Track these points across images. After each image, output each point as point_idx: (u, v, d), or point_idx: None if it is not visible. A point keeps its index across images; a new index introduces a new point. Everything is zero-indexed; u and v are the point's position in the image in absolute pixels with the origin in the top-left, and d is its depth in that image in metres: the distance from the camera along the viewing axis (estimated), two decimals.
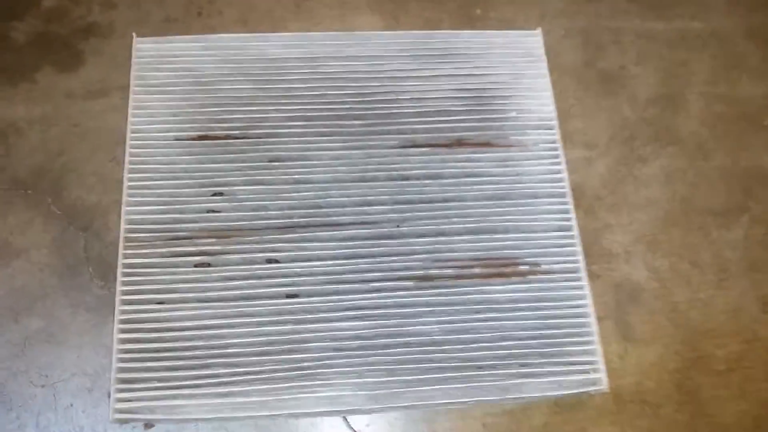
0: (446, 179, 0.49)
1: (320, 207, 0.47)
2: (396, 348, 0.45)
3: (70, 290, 0.46)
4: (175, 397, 0.42)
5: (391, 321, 0.45)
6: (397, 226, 0.47)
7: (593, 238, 0.50)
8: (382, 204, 0.47)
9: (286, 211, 0.47)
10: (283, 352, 0.43)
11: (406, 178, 0.48)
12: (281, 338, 0.44)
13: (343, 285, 0.45)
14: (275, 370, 0.43)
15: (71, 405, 0.43)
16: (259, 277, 0.45)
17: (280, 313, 0.44)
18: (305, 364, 0.43)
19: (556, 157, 0.52)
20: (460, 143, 0.50)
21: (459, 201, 0.48)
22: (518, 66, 0.54)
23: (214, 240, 0.45)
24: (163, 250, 0.45)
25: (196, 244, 0.45)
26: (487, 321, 0.46)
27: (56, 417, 0.42)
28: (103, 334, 0.45)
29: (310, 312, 0.45)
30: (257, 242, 0.46)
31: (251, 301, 0.44)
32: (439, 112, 0.51)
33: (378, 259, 0.46)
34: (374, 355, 0.44)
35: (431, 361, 0.44)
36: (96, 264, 0.46)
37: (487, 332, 0.46)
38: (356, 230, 0.47)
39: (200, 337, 0.43)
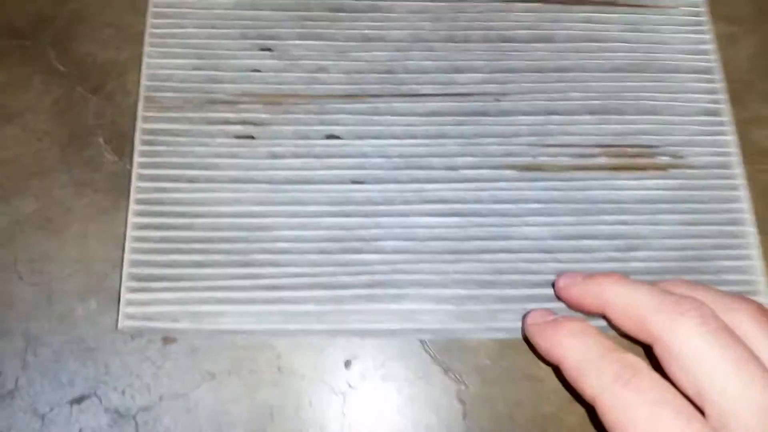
0: (560, 43, 0.37)
1: (396, 72, 0.35)
2: (492, 253, 0.33)
3: (74, 165, 0.34)
4: (204, 301, 0.31)
5: (487, 219, 0.33)
6: (496, 100, 0.35)
7: (742, 131, 0.39)
8: (476, 71, 0.36)
9: (353, 75, 0.35)
10: (345, 251, 0.32)
11: (508, 39, 0.37)
12: (344, 233, 0.32)
13: (424, 171, 0.34)
14: (335, 273, 0.32)
15: (70, 310, 0.32)
16: (317, 156, 0.34)
17: (342, 202, 0.33)
18: (374, 267, 0.32)
19: (701, 24, 0.40)
20: (578, 0, 0.40)
21: (577, 71, 0.36)
22: None
23: (259, 106, 0.34)
24: (195, 115, 0.34)
25: (236, 110, 0.34)
26: (614, 224, 0.33)
27: (50, 324, 0.31)
28: (114, 221, 0.33)
29: (381, 203, 0.33)
30: (315, 112, 0.34)
31: (306, 185, 0.33)
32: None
33: (470, 141, 0.34)
34: (463, 260, 0.33)
35: (538, 272, 0.32)
36: (109, 134, 0.35)
37: (613, 239, 0.33)
38: (442, 103, 0.35)
39: (240, 227, 0.32)
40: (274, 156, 0.33)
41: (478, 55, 0.36)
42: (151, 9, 0.35)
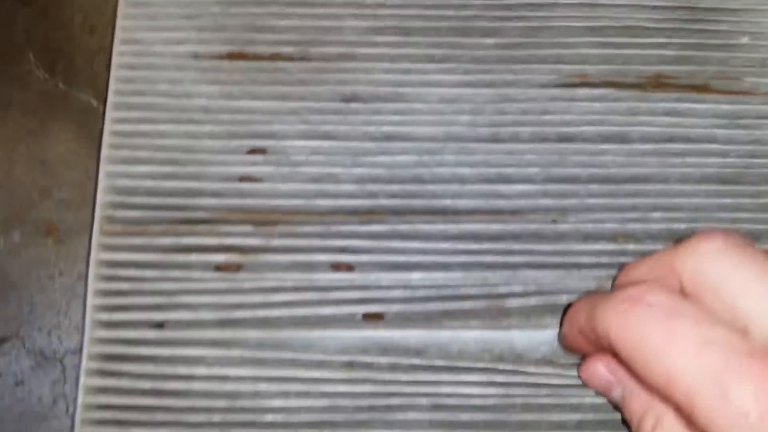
0: (636, 144, 0.29)
1: (424, 181, 0.28)
2: None
3: None
4: None
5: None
6: (553, 221, 0.28)
7: None
8: (528, 181, 0.28)
9: (368, 186, 0.28)
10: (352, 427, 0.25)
11: (568, 139, 0.29)
12: (350, 403, 0.25)
13: (457, 303, 0.26)
14: None
15: None
16: (321, 289, 0.27)
17: (352, 351, 0.26)
18: None
19: None
20: (658, 83, 0.31)
21: (657, 181, 0.28)
22: None
23: (249, 228, 0.27)
24: (165, 241, 0.27)
25: (218, 233, 0.27)
26: None
27: None
28: (42, 145, 0.29)
29: (404, 353, 0.26)
30: (319, 237, 0.27)
31: (306, 330, 0.26)
32: (624, 30, 0.30)
33: (519, 274, 0.27)
34: None
35: None
36: (39, 50, 0.30)
37: None
38: (482, 224, 0.27)
39: (218, 394, 0.25)
40: (266, 291, 0.26)
41: (529, 159, 0.28)
42: (113, 99, 0.28)
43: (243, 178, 0.28)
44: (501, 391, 0.26)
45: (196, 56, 0.29)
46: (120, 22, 0.29)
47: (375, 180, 0.28)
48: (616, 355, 0.22)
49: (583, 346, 0.24)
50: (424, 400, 0.26)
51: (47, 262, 0.27)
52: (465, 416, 0.25)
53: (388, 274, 0.27)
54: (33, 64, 0.29)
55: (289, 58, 0.29)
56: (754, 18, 0.31)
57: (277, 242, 0.27)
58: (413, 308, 0.26)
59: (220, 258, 0.27)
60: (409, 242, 0.27)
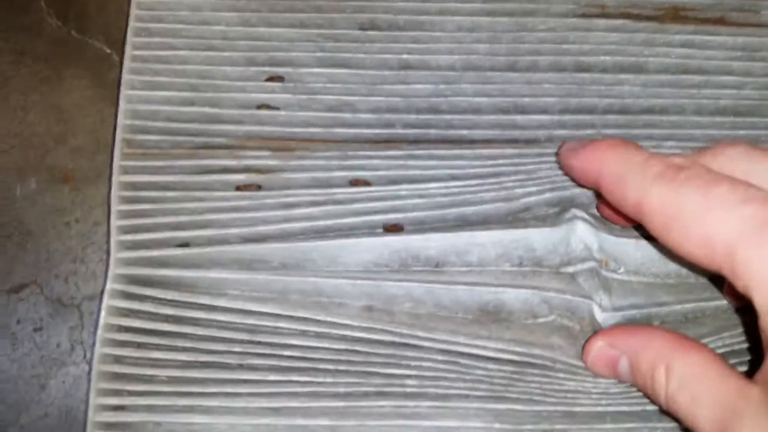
0: (652, 74, 0.29)
1: (440, 111, 0.28)
2: None
3: (12, 31, 0.29)
4: (188, 410, 0.27)
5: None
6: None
7: None
8: (544, 111, 0.28)
9: (385, 115, 0.28)
10: (375, 345, 0.25)
11: (586, 68, 0.29)
12: (372, 325, 0.25)
13: (475, 207, 0.26)
14: (358, 383, 0.25)
15: (7, 189, 0.27)
16: (340, 202, 0.27)
17: (374, 269, 0.26)
18: (406, 374, 0.25)
19: None
20: (676, 15, 0.30)
21: (673, 113, 0.29)
22: None
23: (267, 153, 0.27)
24: (186, 163, 0.27)
25: (238, 156, 0.27)
26: None
27: None
28: (56, 92, 0.29)
29: (421, 262, 0.26)
30: (337, 159, 0.27)
31: (328, 240, 0.26)
32: None
33: (533, 178, 0.27)
34: None
35: None
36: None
37: None
38: (500, 149, 0.28)
39: (239, 329, 0.26)
40: (286, 206, 0.26)
41: (546, 89, 0.28)
42: (133, 24, 0.29)
43: (261, 106, 0.28)
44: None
45: None
46: None
47: (392, 109, 0.28)
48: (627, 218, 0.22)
49: (586, 183, 0.24)
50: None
51: (63, 210, 0.27)
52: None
53: (406, 185, 0.27)
54: (45, 11, 0.30)
55: None
56: None
57: (294, 164, 0.27)
58: (432, 215, 0.27)
59: (240, 177, 0.27)
60: (424, 169, 0.27)
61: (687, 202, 0.19)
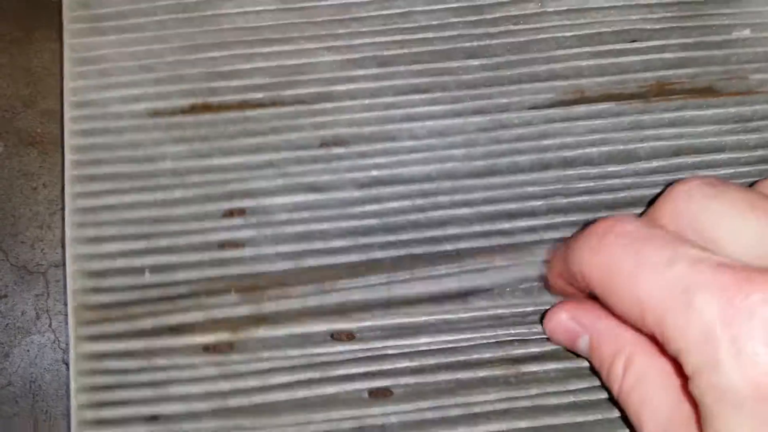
0: (643, 161, 0.27)
1: (420, 226, 0.27)
2: None
3: None
4: None
5: None
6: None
7: None
8: (532, 214, 0.27)
9: (360, 239, 0.26)
10: None
11: (571, 164, 0.27)
12: None
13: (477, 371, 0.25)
14: None
15: None
16: (323, 366, 0.25)
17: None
18: None
19: None
20: (661, 90, 0.29)
21: None
22: None
23: (235, 298, 0.25)
24: (146, 323, 0.25)
25: (203, 307, 0.25)
26: None
27: None
28: (26, 53, 0.28)
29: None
30: (313, 295, 0.26)
31: (306, 412, 0.24)
32: (619, 35, 0.29)
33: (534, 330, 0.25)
34: None
35: None
36: None
37: None
38: (488, 260, 0.26)
39: None
40: (259, 373, 0.25)
41: (531, 192, 0.27)
42: (70, 172, 0.26)
43: (221, 245, 0.26)
44: None
45: (155, 113, 0.27)
46: (69, 84, 0.27)
47: (367, 232, 0.27)
48: (594, 297, 0.21)
49: (567, 291, 0.24)
50: None
51: (31, 174, 0.27)
52: None
53: (396, 341, 0.25)
54: None
55: (259, 104, 0.27)
56: (754, 8, 0.30)
57: (268, 311, 0.26)
58: (424, 379, 0.25)
59: (205, 339, 0.25)
60: (410, 284, 0.26)
61: (619, 265, 0.19)
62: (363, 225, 0.26)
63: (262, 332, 0.25)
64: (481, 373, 0.25)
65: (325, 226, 0.26)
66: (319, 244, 0.26)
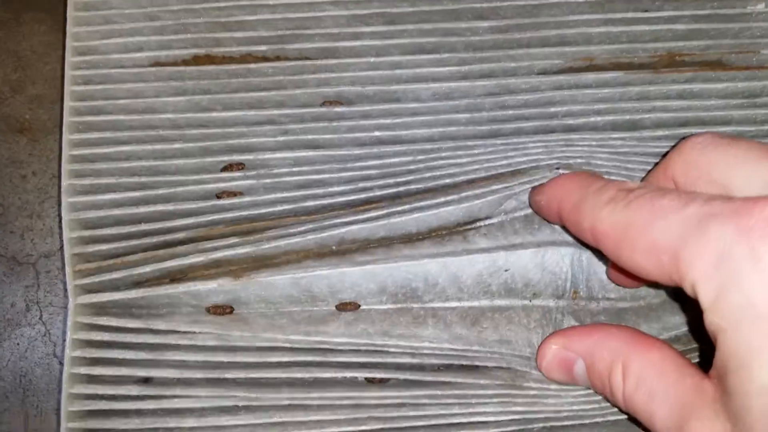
0: (649, 129, 0.27)
1: (420, 172, 0.26)
2: None
3: None
4: None
5: None
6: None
7: None
8: (535, 169, 0.26)
9: (360, 184, 0.26)
10: None
11: (576, 129, 0.27)
12: None
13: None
14: None
15: None
16: (322, 351, 0.25)
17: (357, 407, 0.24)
18: None
19: None
20: (671, 61, 0.28)
21: None
22: None
23: (235, 239, 0.25)
24: (145, 270, 0.25)
25: (204, 250, 0.25)
26: None
27: None
28: (13, 36, 0.28)
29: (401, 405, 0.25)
30: (311, 232, 0.25)
31: (305, 390, 0.24)
32: (631, 3, 0.28)
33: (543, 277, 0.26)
34: None
35: None
36: None
37: None
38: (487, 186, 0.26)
39: None
40: (260, 352, 0.25)
41: (534, 153, 0.26)
42: (68, 119, 0.25)
43: (219, 194, 0.26)
44: None
45: (157, 63, 0.27)
46: (71, 29, 0.26)
47: (366, 179, 0.26)
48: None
49: (552, 218, 0.24)
50: None
51: (20, 162, 0.26)
52: None
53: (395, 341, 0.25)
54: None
55: (263, 58, 0.27)
56: None
57: (268, 248, 0.25)
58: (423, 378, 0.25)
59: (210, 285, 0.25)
60: (410, 215, 0.25)
61: (635, 218, 0.19)
62: (362, 174, 0.26)
63: (264, 277, 0.25)
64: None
65: (324, 176, 0.26)
66: (318, 191, 0.26)
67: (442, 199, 0.26)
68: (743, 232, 0.17)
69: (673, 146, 0.22)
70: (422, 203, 0.26)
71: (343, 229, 0.25)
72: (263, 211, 0.26)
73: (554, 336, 0.23)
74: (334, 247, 0.26)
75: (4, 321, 0.25)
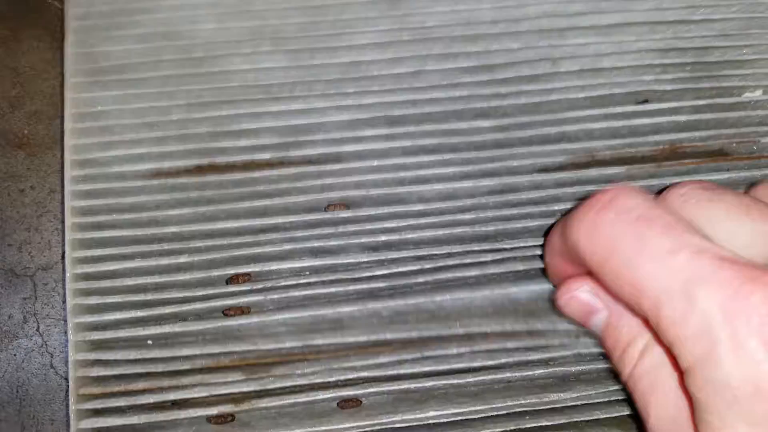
0: None
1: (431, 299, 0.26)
2: None
3: None
4: None
5: None
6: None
7: None
8: (542, 280, 0.26)
9: (368, 304, 0.26)
10: None
11: None
12: None
13: None
14: None
15: None
16: None
17: None
18: None
19: None
20: (673, 153, 0.29)
21: None
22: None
23: (240, 377, 0.25)
24: (144, 399, 0.24)
25: (207, 384, 0.25)
26: None
27: None
28: (13, 54, 0.28)
29: None
30: (318, 374, 0.25)
31: None
32: (631, 97, 0.29)
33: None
34: None
35: None
36: None
37: None
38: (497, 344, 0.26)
39: None
40: None
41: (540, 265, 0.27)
42: (69, 236, 0.25)
43: (225, 311, 0.26)
44: None
45: (159, 173, 0.27)
46: (69, 141, 0.26)
47: (375, 295, 0.26)
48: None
49: (567, 272, 0.23)
50: None
51: (18, 176, 0.27)
52: None
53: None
54: None
55: (267, 164, 0.27)
56: (766, 68, 0.30)
57: (272, 385, 0.25)
58: None
59: (209, 411, 0.25)
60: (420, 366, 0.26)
61: (619, 244, 0.19)
62: (371, 288, 0.26)
63: (266, 403, 0.25)
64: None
65: (332, 290, 0.26)
66: (326, 310, 0.26)
67: (455, 351, 0.26)
68: (728, 314, 0.17)
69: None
70: (433, 353, 0.26)
71: (351, 374, 0.25)
72: (270, 345, 0.26)
73: (588, 278, 0.22)
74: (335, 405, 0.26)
75: (2, 332, 0.25)
